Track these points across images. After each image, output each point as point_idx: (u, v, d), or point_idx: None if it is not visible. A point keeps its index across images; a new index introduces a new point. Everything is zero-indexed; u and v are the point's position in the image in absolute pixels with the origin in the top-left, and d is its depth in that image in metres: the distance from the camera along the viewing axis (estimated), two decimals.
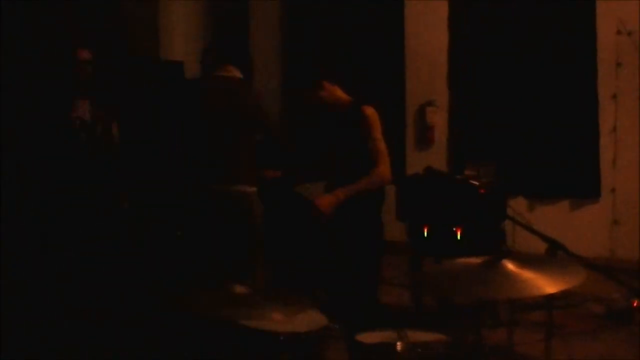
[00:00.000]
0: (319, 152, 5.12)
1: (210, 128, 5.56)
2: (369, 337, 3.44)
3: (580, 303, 6.37)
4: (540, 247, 3.24)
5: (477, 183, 3.58)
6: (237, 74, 5.62)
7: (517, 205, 7.22)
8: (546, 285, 2.97)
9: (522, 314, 5.86)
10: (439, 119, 8.55)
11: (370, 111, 4.77)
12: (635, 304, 6.19)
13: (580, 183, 7.94)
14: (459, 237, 5.25)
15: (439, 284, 3.22)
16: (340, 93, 4.94)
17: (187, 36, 8.39)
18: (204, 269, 5.25)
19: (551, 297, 3.87)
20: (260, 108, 5.68)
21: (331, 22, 8.87)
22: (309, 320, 3.58)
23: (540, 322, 5.60)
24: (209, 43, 7.52)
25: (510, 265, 3.04)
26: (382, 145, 4.74)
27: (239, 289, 3.37)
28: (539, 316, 5.62)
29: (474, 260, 3.14)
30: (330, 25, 8.86)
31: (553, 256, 3.18)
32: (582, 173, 7.91)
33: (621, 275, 3.53)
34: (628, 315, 6.20)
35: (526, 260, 3.08)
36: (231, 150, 5.52)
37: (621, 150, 7.72)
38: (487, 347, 4.80)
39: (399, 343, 3.24)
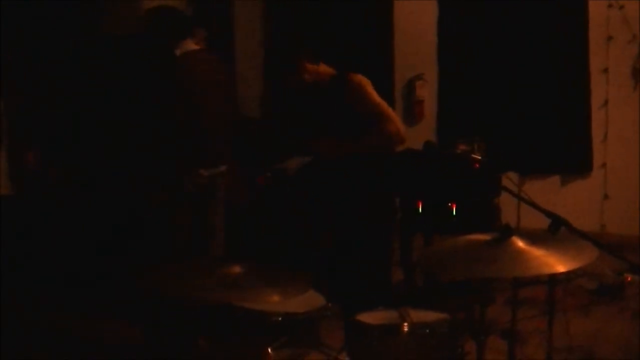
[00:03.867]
0: (304, 126, 5.02)
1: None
2: (370, 317, 3.36)
3: (572, 278, 6.31)
4: (543, 223, 3.16)
5: (478, 157, 3.51)
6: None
7: (508, 181, 7.15)
8: (557, 263, 2.90)
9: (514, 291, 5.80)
10: (427, 93, 8.46)
11: (358, 77, 4.64)
12: (629, 279, 6.16)
13: (571, 158, 7.89)
14: (454, 212, 5.16)
15: (445, 263, 3.13)
16: (324, 69, 4.80)
17: None
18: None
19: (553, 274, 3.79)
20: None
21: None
22: (306, 300, 3.52)
23: (530, 298, 5.55)
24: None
25: (519, 243, 2.96)
26: (383, 106, 4.60)
27: (235, 269, 3.30)
28: (528, 292, 5.56)
29: (481, 237, 3.07)
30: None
31: (555, 232, 3.10)
32: (573, 148, 7.85)
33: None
34: (619, 291, 6.17)
35: (536, 238, 3.01)
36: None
37: (612, 125, 7.66)
38: (485, 323, 4.75)
39: (405, 324, 3.16)
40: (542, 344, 4.68)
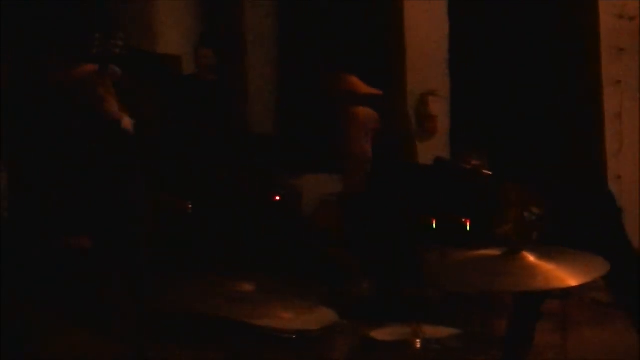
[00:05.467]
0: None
1: None
2: (382, 334, 3.37)
3: (583, 292, 6.27)
4: None
5: (489, 172, 3.51)
6: None
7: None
8: (568, 277, 2.90)
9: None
10: (440, 108, 8.46)
11: (359, 112, 4.63)
12: None
13: (584, 169, 7.85)
14: (468, 228, 5.17)
15: (456, 277, 3.13)
16: (357, 82, 4.80)
17: (183, 30, 8.29)
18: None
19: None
20: None
21: (329, 11, 8.77)
22: (319, 317, 3.52)
23: (545, 312, 5.52)
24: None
25: (530, 257, 2.96)
26: (354, 149, 4.58)
27: (246, 286, 3.31)
28: (544, 306, 5.53)
29: (492, 251, 3.06)
30: (328, 15, 8.77)
31: None
32: (587, 160, 7.83)
33: None
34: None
35: (547, 252, 3.00)
36: None
37: (626, 137, 7.64)
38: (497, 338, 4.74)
39: (417, 340, 3.16)
40: (556, 357, 4.67)
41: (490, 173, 3.57)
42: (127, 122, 5.38)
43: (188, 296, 3.32)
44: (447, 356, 3.18)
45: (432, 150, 7.81)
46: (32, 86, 5.29)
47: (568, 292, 5.95)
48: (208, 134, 6.32)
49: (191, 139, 6.17)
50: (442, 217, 5.27)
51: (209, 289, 3.34)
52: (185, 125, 6.36)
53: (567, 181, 7.82)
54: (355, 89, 4.78)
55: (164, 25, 8.32)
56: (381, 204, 4.75)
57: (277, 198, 5.34)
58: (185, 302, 3.30)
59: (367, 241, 4.85)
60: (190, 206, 5.59)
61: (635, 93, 7.57)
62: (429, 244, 5.59)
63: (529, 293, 4.08)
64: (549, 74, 7.87)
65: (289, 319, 3.33)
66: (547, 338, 5.07)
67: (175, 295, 3.37)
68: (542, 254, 2.99)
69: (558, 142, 7.88)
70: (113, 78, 5.55)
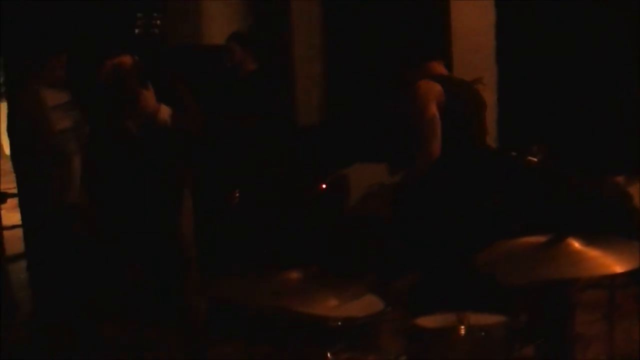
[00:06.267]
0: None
1: None
2: (428, 321, 3.38)
3: (633, 282, 6.20)
4: None
5: (535, 159, 3.51)
6: None
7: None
8: (614, 264, 2.88)
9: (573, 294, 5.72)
10: (487, 96, 8.39)
11: (422, 85, 4.61)
12: None
13: (634, 159, 7.77)
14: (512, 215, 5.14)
15: (501, 265, 3.13)
16: (442, 69, 4.78)
17: (229, 20, 8.34)
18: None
19: (613, 276, 3.74)
20: None
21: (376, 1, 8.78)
22: (365, 304, 3.53)
23: (591, 302, 5.47)
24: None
25: (576, 244, 2.95)
26: (426, 128, 4.55)
27: (291, 275, 3.33)
28: (591, 296, 5.48)
29: (537, 239, 3.06)
30: (374, 5, 8.77)
31: None
32: (635, 150, 7.75)
33: None
34: None
35: (591, 238, 2.99)
36: None
37: None
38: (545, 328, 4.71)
39: (461, 327, 3.17)
40: (604, 349, 4.62)
41: (536, 160, 3.56)
42: (164, 111, 5.31)
43: (234, 286, 3.35)
44: (492, 344, 3.18)
45: None
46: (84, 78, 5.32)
47: (615, 283, 5.90)
48: (246, 123, 6.38)
49: (231, 130, 6.22)
50: (486, 204, 5.25)
51: (255, 278, 3.36)
52: (225, 116, 6.42)
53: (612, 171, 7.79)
54: (429, 73, 4.76)
55: (210, 15, 8.37)
56: (431, 191, 4.74)
57: (324, 186, 5.35)
58: (231, 291, 3.33)
59: (416, 229, 4.83)
60: (237, 195, 5.62)
61: None
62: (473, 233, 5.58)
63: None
64: (596, 63, 7.81)
65: (334, 306, 3.33)
66: (594, 329, 5.03)
67: (222, 286, 3.40)
68: (588, 240, 2.98)
69: (603, 132, 7.82)
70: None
